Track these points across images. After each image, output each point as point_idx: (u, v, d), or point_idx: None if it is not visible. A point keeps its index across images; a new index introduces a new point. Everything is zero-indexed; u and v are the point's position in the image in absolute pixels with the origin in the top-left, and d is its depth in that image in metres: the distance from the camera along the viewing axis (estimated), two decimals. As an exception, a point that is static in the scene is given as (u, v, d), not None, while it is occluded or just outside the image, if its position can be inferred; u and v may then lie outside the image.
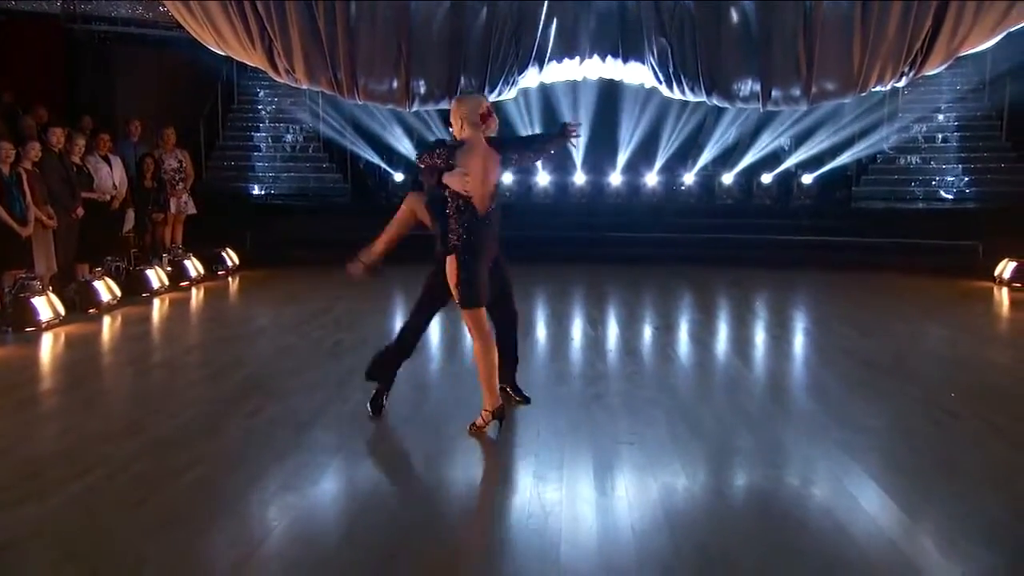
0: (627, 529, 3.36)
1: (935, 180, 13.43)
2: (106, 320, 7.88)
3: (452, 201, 4.31)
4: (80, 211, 8.52)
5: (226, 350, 6.74)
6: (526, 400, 5.02)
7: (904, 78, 9.53)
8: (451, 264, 4.33)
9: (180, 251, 10.37)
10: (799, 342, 7.42)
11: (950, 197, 13.22)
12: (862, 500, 3.61)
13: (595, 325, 7.70)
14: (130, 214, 9.81)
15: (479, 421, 4.46)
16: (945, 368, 6.28)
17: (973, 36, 8.94)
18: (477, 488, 3.87)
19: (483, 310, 4.41)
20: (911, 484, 3.80)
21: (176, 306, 8.85)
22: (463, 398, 5.17)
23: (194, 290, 9.80)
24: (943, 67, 9.58)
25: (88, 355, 6.66)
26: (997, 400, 5.22)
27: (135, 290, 8.97)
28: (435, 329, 7.87)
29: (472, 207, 4.29)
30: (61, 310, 7.51)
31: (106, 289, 8.28)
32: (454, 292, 4.38)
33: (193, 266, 10.17)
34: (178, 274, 9.89)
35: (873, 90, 9.77)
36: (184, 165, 10.72)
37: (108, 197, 9.24)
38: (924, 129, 13.84)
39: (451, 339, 7.27)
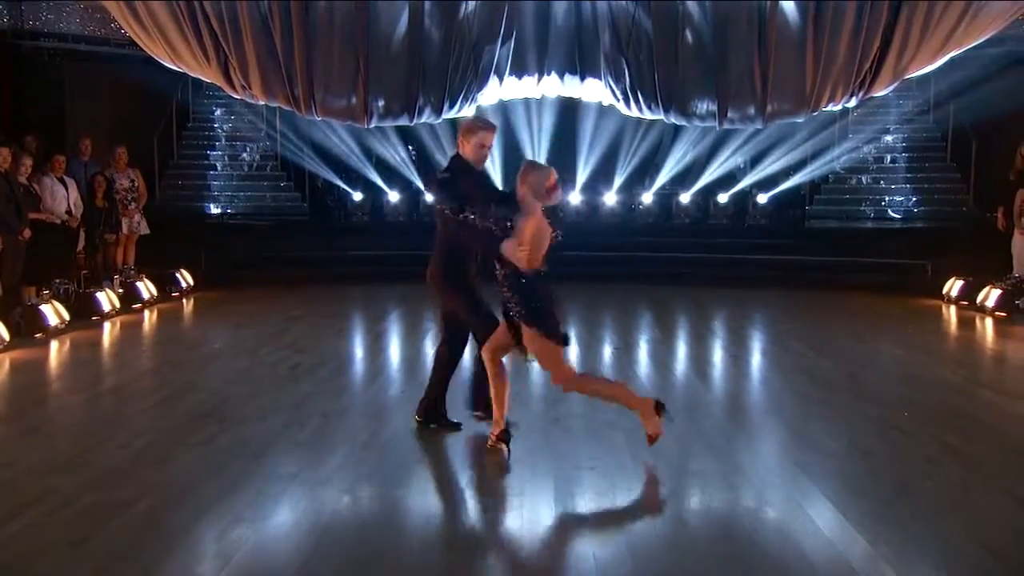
0: (588, 557, 3.32)
1: (885, 200, 13.78)
2: (53, 345, 7.63)
3: (501, 267, 4.33)
4: (27, 233, 8.28)
5: (179, 375, 6.57)
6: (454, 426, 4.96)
7: (854, 98, 9.80)
8: (525, 332, 4.32)
9: (132, 272, 10.14)
10: (756, 361, 7.50)
11: (899, 217, 13.56)
12: (821, 524, 3.62)
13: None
14: (80, 234, 9.57)
15: (649, 431, 4.41)
16: (898, 387, 6.39)
17: (919, 59, 9.25)
18: (436, 516, 3.80)
19: (562, 355, 4.43)
20: (869, 506, 3.83)
21: (128, 329, 8.62)
22: (422, 424, 5.11)
23: (147, 313, 9.56)
24: (890, 88, 9.88)
25: (33, 382, 6.44)
26: (949, 419, 5.32)
27: (85, 313, 8.70)
28: (395, 354, 7.80)
29: (519, 274, 4.28)
30: (5, 335, 7.25)
31: (54, 313, 8.02)
32: (532, 350, 4.37)
33: (146, 288, 9.94)
34: (130, 296, 9.65)
35: (825, 109, 10.01)
36: (137, 184, 10.53)
37: (59, 221, 9.03)
38: (873, 150, 14.21)
39: (410, 364, 7.20)
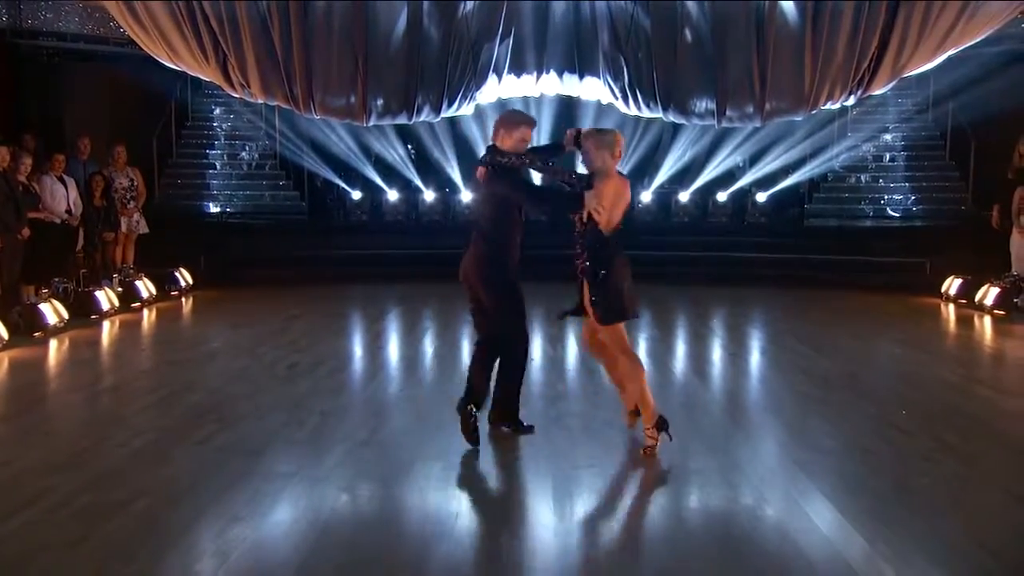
0: (587, 555, 3.33)
1: (884, 198, 13.77)
2: (52, 344, 7.63)
3: (582, 224, 4.50)
4: (26, 232, 8.28)
5: (177, 374, 6.57)
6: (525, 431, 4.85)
7: (852, 96, 9.81)
8: (587, 291, 4.50)
9: (131, 271, 10.14)
10: (755, 360, 7.50)
11: (897, 215, 13.56)
12: (819, 522, 3.62)
13: (555, 344, 7.69)
14: (79, 233, 9.57)
15: (648, 442, 4.45)
16: (897, 385, 6.39)
17: (917, 57, 9.27)
18: (435, 515, 3.80)
19: (621, 326, 4.50)
20: (867, 505, 3.83)
21: (126, 328, 8.62)
22: (421, 422, 5.12)
23: (146, 311, 9.56)
24: (889, 87, 9.89)
25: (31, 381, 6.43)
26: (948, 417, 5.32)
27: (84, 312, 8.69)
28: (394, 353, 7.80)
29: (598, 231, 4.43)
30: (4, 334, 7.25)
31: (53, 311, 8.02)
32: (589, 311, 4.50)
33: (145, 287, 9.93)
34: (129, 295, 9.64)
35: (823, 108, 10.02)
36: (136, 183, 10.53)
37: (59, 220, 9.03)
38: (872, 148, 14.19)
39: (409, 363, 7.21)
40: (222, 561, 3.22)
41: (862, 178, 14.10)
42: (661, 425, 4.46)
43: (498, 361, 4.78)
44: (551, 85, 10.51)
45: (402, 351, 7.74)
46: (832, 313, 9.78)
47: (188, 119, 14.61)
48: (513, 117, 4.75)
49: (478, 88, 10.05)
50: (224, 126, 14.77)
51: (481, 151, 14.11)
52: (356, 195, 14.04)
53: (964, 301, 9.91)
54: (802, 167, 13.67)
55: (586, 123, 13.38)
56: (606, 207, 4.38)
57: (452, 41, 9.70)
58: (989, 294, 9.38)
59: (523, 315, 4.73)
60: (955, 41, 9.04)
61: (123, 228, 10.32)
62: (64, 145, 10.64)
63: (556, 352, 7.39)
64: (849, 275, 11.71)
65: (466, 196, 13.96)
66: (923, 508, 3.82)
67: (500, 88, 10.33)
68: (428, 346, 7.79)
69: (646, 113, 10.37)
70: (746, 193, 13.88)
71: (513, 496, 4.04)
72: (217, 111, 14.76)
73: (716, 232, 13.57)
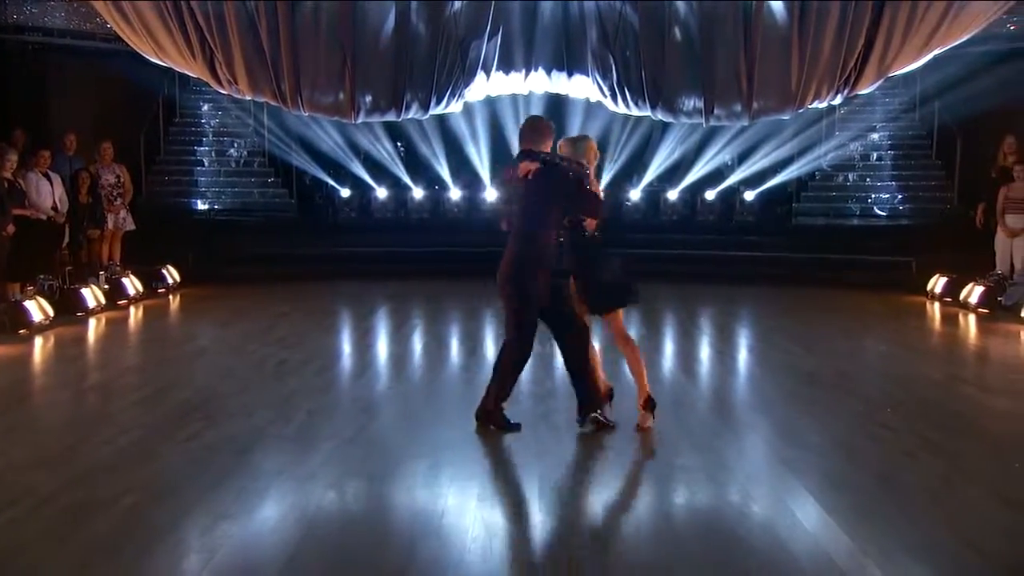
0: (574, 552, 3.34)
1: (871, 197, 13.85)
2: (37, 341, 7.58)
3: (570, 225, 4.82)
4: (11, 228, 8.21)
5: (164, 372, 6.55)
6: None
7: (839, 95, 9.86)
8: (571, 283, 4.93)
9: (118, 268, 10.08)
10: (743, 358, 7.54)
11: (884, 214, 13.64)
12: (805, 519, 3.64)
13: (544, 341, 7.68)
14: (65, 230, 9.50)
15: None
16: (883, 383, 6.44)
17: (903, 57, 9.33)
18: (421, 511, 3.80)
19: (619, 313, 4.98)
20: (852, 502, 3.86)
21: (113, 326, 8.57)
22: (408, 419, 5.12)
23: (132, 309, 9.51)
24: (875, 85, 9.95)
25: (17, 379, 6.39)
26: (932, 415, 5.37)
27: (69, 309, 8.63)
28: (382, 350, 7.79)
29: (584, 234, 4.82)
30: (-12, 331, 7.21)
31: (38, 309, 7.96)
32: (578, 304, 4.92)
33: (131, 284, 9.88)
34: (115, 292, 9.58)
35: (810, 107, 10.06)
36: (122, 180, 10.46)
37: (44, 217, 8.96)
38: (859, 147, 14.26)
39: (397, 360, 7.20)
40: (208, 558, 3.21)
41: (849, 177, 14.17)
42: (595, 403, 4.90)
43: (497, 361, 4.94)
44: (539, 83, 10.50)
45: (390, 348, 7.73)
46: (819, 311, 9.84)
47: (176, 115, 14.51)
48: (551, 126, 4.93)
49: (466, 86, 10.03)
50: (212, 123, 14.69)
51: (469, 148, 14.02)
52: (345, 192, 14.01)
53: (949, 299, 9.99)
54: (790, 166, 13.72)
55: (575, 120, 13.43)
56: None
57: (440, 38, 9.68)
58: (974, 293, 9.46)
59: (530, 338, 4.89)
60: (940, 40, 9.11)
61: (110, 225, 10.25)
62: (50, 141, 10.55)
63: (544, 349, 7.36)
64: (836, 273, 11.78)
65: (455, 194, 13.95)
66: (907, 505, 3.85)
67: (488, 86, 10.32)
68: (416, 343, 7.79)
69: (634, 111, 10.39)
70: (734, 191, 13.92)
71: (499, 493, 4.05)
72: (205, 108, 14.67)
73: (704, 230, 13.61)
